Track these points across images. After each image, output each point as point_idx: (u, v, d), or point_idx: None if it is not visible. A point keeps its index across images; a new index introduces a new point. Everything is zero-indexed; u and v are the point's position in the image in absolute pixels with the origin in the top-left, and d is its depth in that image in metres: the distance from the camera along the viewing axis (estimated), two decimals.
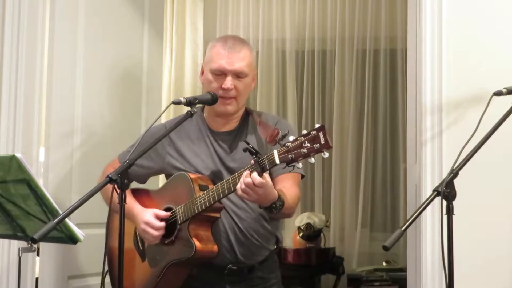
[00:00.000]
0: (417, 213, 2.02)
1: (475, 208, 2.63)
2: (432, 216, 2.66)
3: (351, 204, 5.61)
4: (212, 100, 2.50)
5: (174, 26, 5.86)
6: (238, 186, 2.27)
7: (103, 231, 2.61)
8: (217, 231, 2.51)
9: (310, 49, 5.81)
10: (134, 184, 2.65)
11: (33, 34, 3.12)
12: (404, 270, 3.67)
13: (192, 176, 2.51)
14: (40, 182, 2.30)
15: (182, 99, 2.39)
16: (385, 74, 5.67)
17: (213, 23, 5.92)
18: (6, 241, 2.97)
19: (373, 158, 5.66)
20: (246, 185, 2.23)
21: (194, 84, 5.78)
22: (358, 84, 5.69)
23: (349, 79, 5.69)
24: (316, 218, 5.19)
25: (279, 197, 2.32)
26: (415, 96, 2.86)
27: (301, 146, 2.13)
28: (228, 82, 2.51)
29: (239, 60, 2.53)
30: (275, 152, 2.18)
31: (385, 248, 1.91)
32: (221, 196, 2.38)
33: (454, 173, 2.06)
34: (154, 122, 2.49)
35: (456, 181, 2.05)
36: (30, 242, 2.48)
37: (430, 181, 2.70)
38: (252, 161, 2.25)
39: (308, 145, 2.12)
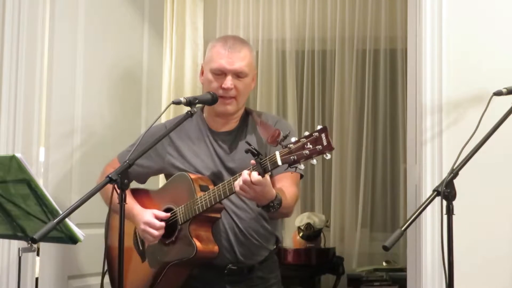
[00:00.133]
0: (417, 213, 2.02)
1: (475, 208, 2.63)
2: (432, 216, 2.66)
3: (351, 204, 5.61)
4: (212, 100, 2.50)
5: (174, 26, 5.87)
6: (236, 183, 2.28)
7: (103, 231, 2.62)
8: (217, 231, 2.51)
9: (310, 49, 5.81)
10: (134, 184, 2.65)
11: (33, 34, 3.12)
12: (404, 270, 3.67)
13: (192, 176, 2.51)
14: (40, 182, 2.30)
15: (182, 99, 2.39)
16: (385, 74, 5.67)
17: (213, 23, 5.92)
18: (6, 241, 2.97)
19: (373, 158, 5.66)
20: (244, 182, 2.23)
21: (194, 84, 5.78)
22: (358, 84, 5.70)
23: (349, 79, 5.69)
24: (316, 218, 5.20)
25: (277, 196, 2.32)
26: (415, 96, 2.86)
27: (303, 147, 2.13)
28: (228, 81, 2.52)
29: (239, 60, 2.53)
30: (277, 153, 2.18)
31: (385, 248, 1.91)
32: (222, 197, 2.38)
33: (454, 173, 2.05)
34: (154, 122, 2.49)
35: (456, 181, 2.05)
36: (30, 242, 2.48)
37: (430, 181, 2.70)
38: (252, 162, 2.25)
39: (310, 146, 2.12)
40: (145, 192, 2.72)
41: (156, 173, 2.77)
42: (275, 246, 2.65)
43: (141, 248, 2.64)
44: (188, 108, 2.40)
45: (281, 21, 5.85)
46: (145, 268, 2.61)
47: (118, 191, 2.11)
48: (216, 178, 2.53)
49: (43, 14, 3.17)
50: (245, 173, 2.24)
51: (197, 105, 2.44)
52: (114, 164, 2.66)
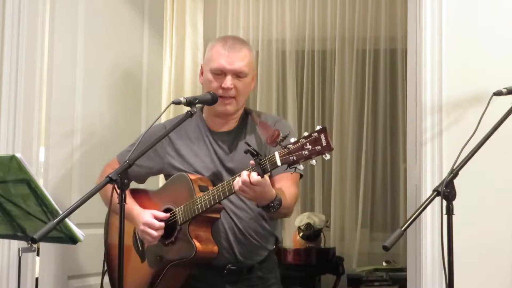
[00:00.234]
0: (417, 213, 2.02)
1: (475, 208, 2.63)
2: (432, 216, 2.66)
3: (351, 204, 5.61)
4: (212, 100, 2.50)
5: (174, 26, 5.86)
6: (235, 182, 2.28)
7: (103, 231, 2.62)
8: (216, 231, 2.51)
9: (310, 49, 5.81)
10: (133, 184, 2.65)
11: (33, 34, 3.12)
12: (404, 270, 3.67)
13: (192, 177, 2.51)
14: (40, 182, 2.30)
15: (182, 99, 2.39)
16: (385, 74, 5.67)
17: (213, 23, 5.92)
18: (6, 241, 2.97)
19: (373, 158, 5.66)
20: (243, 183, 2.23)
21: (194, 84, 5.78)
22: (358, 84, 5.69)
23: (349, 79, 5.69)
24: (316, 218, 5.19)
25: (277, 196, 2.32)
26: (415, 96, 2.86)
27: (302, 148, 2.13)
28: (228, 81, 2.52)
29: (239, 59, 2.53)
30: (277, 154, 2.18)
31: (385, 248, 1.91)
32: (222, 198, 2.38)
33: (454, 173, 2.05)
34: (154, 122, 2.49)
35: (456, 181, 2.05)
36: (30, 242, 2.48)
37: (430, 181, 2.70)
38: (252, 162, 2.25)
39: (310, 147, 2.12)
40: (145, 192, 2.72)
41: (156, 173, 2.76)
42: (274, 246, 2.65)
43: (140, 248, 2.64)
44: (188, 108, 2.40)
45: (281, 21, 5.85)
46: (144, 268, 2.61)
47: (118, 191, 2.11)
48: (215, 178, 2.53)
49: (43, 14, 3.17)
50: (244, 174, 2.24)
51: (197, 105, 2.45)
52: (114, 164, 2.66)
